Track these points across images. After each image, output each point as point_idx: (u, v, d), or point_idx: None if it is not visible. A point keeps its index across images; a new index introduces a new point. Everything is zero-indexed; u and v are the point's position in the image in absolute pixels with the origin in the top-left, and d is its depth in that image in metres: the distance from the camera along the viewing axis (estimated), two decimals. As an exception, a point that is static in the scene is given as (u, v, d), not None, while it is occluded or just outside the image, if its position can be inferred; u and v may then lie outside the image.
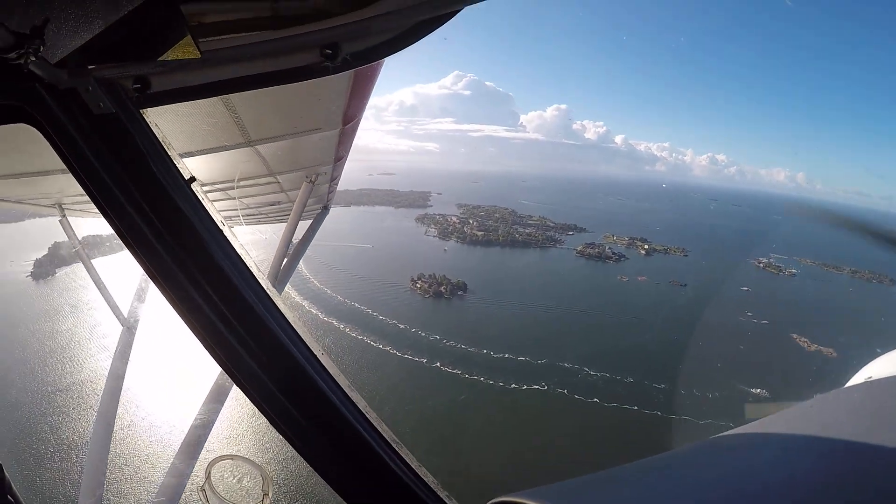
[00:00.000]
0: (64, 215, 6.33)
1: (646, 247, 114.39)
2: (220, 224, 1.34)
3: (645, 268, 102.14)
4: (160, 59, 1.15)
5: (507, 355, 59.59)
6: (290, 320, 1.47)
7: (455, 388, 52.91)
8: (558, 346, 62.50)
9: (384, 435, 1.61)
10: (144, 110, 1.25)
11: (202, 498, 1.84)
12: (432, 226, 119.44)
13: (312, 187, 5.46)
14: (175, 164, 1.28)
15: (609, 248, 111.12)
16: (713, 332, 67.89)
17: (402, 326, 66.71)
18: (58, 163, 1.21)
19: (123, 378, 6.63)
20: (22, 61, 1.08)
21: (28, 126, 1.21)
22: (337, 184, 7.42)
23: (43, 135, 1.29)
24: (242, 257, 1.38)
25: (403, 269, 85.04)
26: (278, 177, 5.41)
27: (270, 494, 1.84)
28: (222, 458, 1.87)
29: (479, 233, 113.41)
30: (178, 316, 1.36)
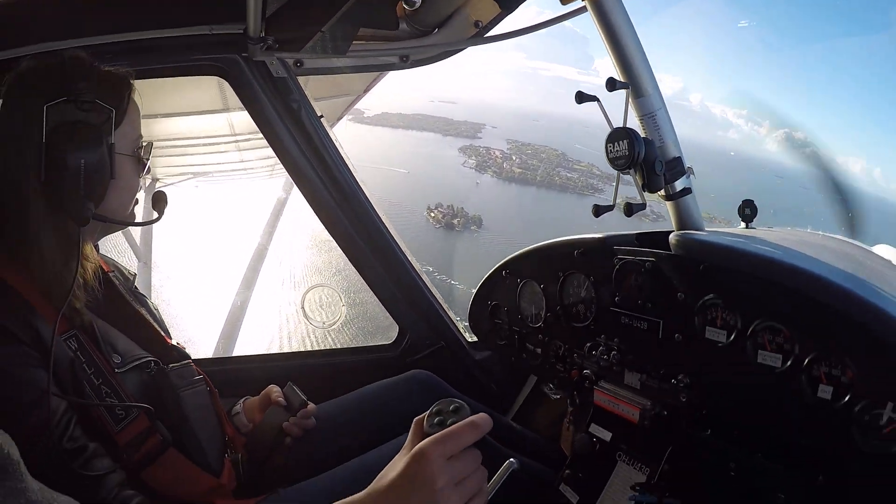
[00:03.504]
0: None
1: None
2: (342, 152, 2.35)
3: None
4: (311, 49, 2.13)
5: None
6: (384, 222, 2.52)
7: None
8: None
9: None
10: (299, 77, 2.25)
11: (301, 314, 2.93)
12: (472, 157, 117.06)
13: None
14: (313, 107, 2.29)
15: (649, 206, 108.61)
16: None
17: (396, 255, 66.16)
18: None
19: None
20: (260, 46, 1.99)
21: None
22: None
23: (231, 85, 2.15)
24: (360, 183, 2.41)
25: (426, 197, 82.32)
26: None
27: (345, 310, 2.94)
28: (312, 287, 2.94)
29: (518, 170, 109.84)
30: (326, 226, 2.43)
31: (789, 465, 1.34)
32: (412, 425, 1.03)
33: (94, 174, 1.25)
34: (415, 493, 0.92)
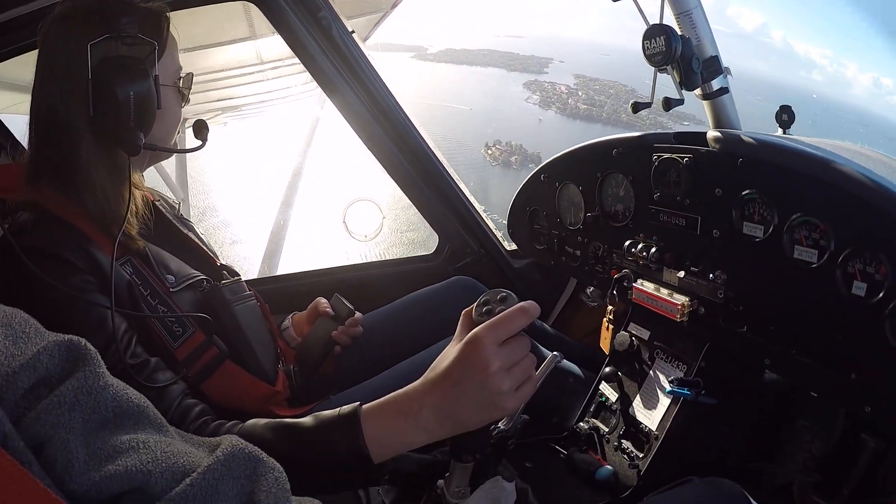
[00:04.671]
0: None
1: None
2: (375, 66, 2.32)
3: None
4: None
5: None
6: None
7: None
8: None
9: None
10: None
11: (344, 227, 3.02)
12: (537, 92, 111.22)
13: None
14: (344, 23, 2.25)
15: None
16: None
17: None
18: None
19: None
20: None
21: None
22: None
23: (260, 9, 2.11)
24: (394, 95, 2.37)
25: (485, 134, 79.96)
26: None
27: (385, 220, 2.99)
28: (352, 202, 3.00)
29: (583, 106, 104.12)
30: (363, 139, 2.41)
31: (823, 361, 1.33)
32: (461, 317, 1.02)
33: (143, 105, 1.27)
34: (469, 378, 0.92)
